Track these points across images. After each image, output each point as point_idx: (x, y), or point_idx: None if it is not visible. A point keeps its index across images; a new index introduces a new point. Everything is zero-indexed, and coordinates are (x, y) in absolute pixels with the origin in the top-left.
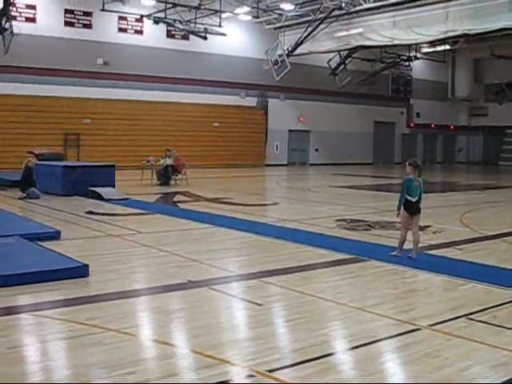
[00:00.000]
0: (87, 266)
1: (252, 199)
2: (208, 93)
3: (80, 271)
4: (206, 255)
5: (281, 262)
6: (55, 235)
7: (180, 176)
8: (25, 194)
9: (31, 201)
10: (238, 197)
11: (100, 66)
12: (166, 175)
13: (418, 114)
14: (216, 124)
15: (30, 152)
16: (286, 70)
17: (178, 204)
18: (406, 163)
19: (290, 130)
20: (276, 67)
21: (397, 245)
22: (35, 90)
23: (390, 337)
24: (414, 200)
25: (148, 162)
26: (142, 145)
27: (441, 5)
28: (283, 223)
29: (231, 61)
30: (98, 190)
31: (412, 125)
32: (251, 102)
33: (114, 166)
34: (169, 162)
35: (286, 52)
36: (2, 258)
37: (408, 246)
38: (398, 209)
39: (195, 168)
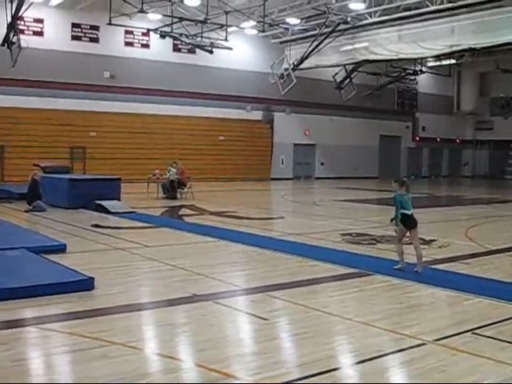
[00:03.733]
0: (93, 279)
1: (257, 213)
2: (214, 106)
3: (86, 284)
4: (211, 269)
5: (286, 276)
6: (61, 248)
7: (185, 189)
8: (31, 207)
9: (37, 213)
10: (243, 210)
11: (107, 80)
12: (172, 189)
13: (423, 128)
14: (221, 137)
15: (35, 165)
16: (292, 83)
17: (184, 217)
18: (392, 181)
19: (295, 144)
20: (282, 81)
21: (395, 258)
22: (41, 103)
23: (395, 351)
24: (409, 213)
25: (154, 175)
26: (147, 158)
27: (446, 19)
28: (289, 237)
29: (237, 75)
30: (104, 203)
31: (418, 139)
32: (257, 115)
33: (119, 179)
34: (173, 172)
35: (292, 66)
36: (8, 271)
37: (411, 259)
38: (396, 224)
39: (201, 181)
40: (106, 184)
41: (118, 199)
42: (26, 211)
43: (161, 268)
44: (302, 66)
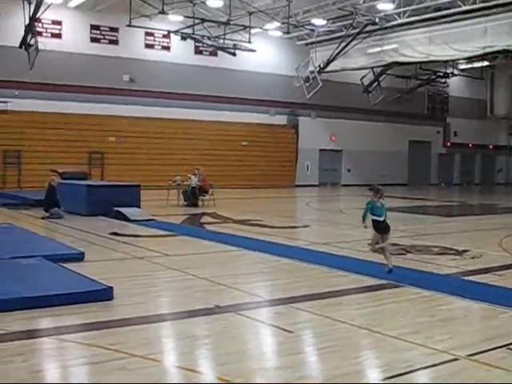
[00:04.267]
0: (112, 288)
1: (281, 221)
2: (236, 110)
3: (104, 294)
4: (233, 279)
5: (311, 287)
6: (79, 257)
7: (207, 197)
8: (48, 214)
9: (54, 220)
10: (267, 219)
11: (126, 83)
12: (193, 196)
13: (455, 133)
14: (245, 143)
15: (53, 171)
16: (318, 87)
17: (205, 226)
18: (368, 188)
19: (321, 150)
20: (307, 84)
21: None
22: (59, 107)
23: (426, 367)
24: (381, 219)
25: (174, 181)
26: (168, 164)
27: (479, 19)
28: (314, 246)
29: (261, 78)
30: (123, 210)
31: (449, 144)
32: (281, 120)
33: (139, 185)
34: (195, 180)
35: (318, 69)
36: (25, 280)
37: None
38: (362, 221)
39: (223, 188)
40: (125, 190)
41: (138, 206)
42: (42, 218)
43: (181, 278)
44: (328, 69)
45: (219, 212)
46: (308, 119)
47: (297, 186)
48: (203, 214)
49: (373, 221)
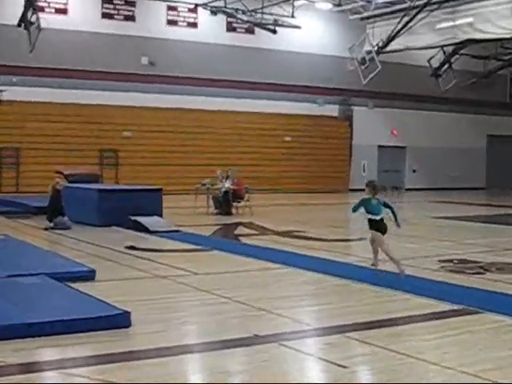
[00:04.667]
0: (128, 313)
1: (332, 233)
2: (277, 99)
3: (120, 320)
4: (275, 303)
5: (369, 313)
6: (89, 275)
7: (243, 203)
8: (52, 224)
9: (60, 232)
10: (314, 230)
11: (144, 67)
12: (225, 202)
13: None
14: (287, 138)
15: (57, 172)
16: (376, 70)
17: (241, 238)
18: (365, 184)
19: (380, 146)
20: (363, 67)
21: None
22: (65, 96)
23: None
24: (378, 218)
25: (203, 185)
26: (195, 164)
27: None
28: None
29: (306, 60)
30: (142, 219)
31: None
32: (332, 110)
33: (161, 190)
34: (228, 183)
35: (376, 48)
36: (25, 303)
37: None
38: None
39: (261, 193)
40: (143, 196)
41: (159, 215)
42: (45, 229)
43: (212, 301)
44: (388, 49)
45: (257, 222)
46: (364, 109)
47: (351, 190)
48: (238, 223)
49: (370, 220)
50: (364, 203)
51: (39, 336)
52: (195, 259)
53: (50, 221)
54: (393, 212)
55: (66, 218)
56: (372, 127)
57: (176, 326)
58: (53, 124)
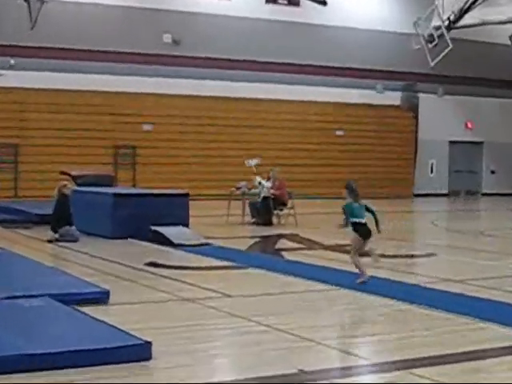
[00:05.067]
0: (149, 343)
1: (394, 247)
2: (327, 85)
3: (138, 352)
4: (325, 332)
5: (438, 345)
6: (101, 297)
7: (285, 211)
8: (57, 235)
9: (66, 245)
10: (372, 243)
11: (167, 47)
12: (265, 209)
13: None
14: (339, 132)
15: (63, 173)
16: (447, 50)
17: (283, 253)
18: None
19: (451, 142)
20: (431, 46)
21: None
22: (73, 82)
23: None
24: (363, 221)
25: (238, 188)
26: (228, 163)
27: None
28: (443, 285)
29: (363, 37)
30: (164, 230)
31: None
32: (393, 98)
33: (187, 194)
34: (268, 187)
35: (447, 23)
36: (26, 330)
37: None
38: (344, 226)
39: (307, 199)
40: (166, 202)
41: (185, 225)
42: (49, 241)
43: (248, 329)
44: (460, 23)
45: (303, 233)
46: (432, 97)
47: (416, 195)
48: (279, 236)
49: (353, 224)
50: (350, 209)
51: (41, 370)
52: (228, 278)
53: (55, 231)
54: (374, 216)
55: (73, 228)
56: (442, 119)
57: (204, 360)
58: (58, 115)
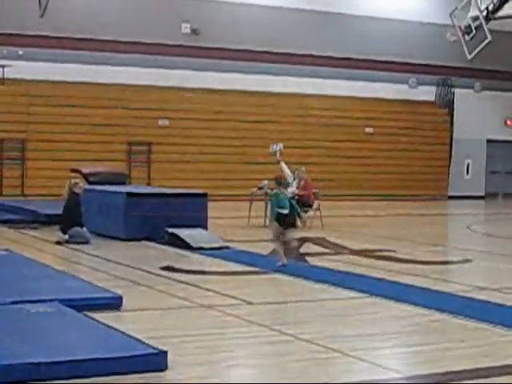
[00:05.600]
0: (165, 353)
1: (427, 253)
2: (356, 79)
3: (153, 361)
4: (353, 342)
5: (477, 358)
6: (114, 303)
7: (311, 212)
8: (67, 236)
9: (76, 247)
10: (404, 248)
11: (186, 37)
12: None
13: None
14: (369, 130)
15: (74, 170)
16: (485, 42)
17: (308, 258)
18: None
19: (489, 141)
20: (468, 38)
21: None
22: (84, 74)
23: None
24: (285, 212)
25: (260, 188)
26: (249, 162)
27: None
28: (479, 293)
29: (395, 29)
30: (181, 232)
31: None
32: (426, 93)
33: (205, 195)
34: (293, 187)
35: (485, 14)
36: (34, 337)
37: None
38: (270, 222)
39: (334, 200)
40: (184, 202)
41: (204, 227)
42: (58, 243)
43: (271, 339)
44: (500, 14)
45: (330, 237)
46: (469, 93)
47: (450, 197)
48: (304, 239)
49: (277, 214)
50: (275, 197)
51: (49, 379)
52: (249, 284)
53: (65, 232)
54: (295, 211)
55: (84, 230)
56: (479, 116)
57: (223, 371)
58: (68, 109)
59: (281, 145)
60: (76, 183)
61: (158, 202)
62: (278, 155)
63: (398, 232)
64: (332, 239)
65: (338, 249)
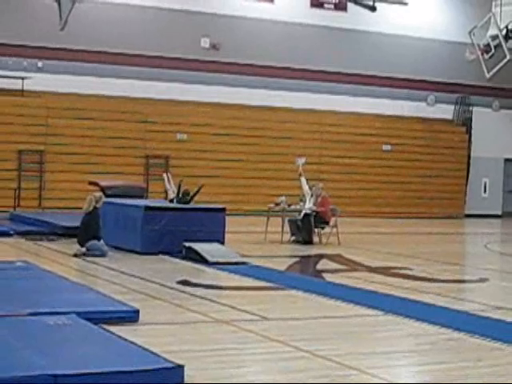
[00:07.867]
0: (182, 367)
1: (443, 272)
2: (373, 96)
3: (169, 376)
4: (369, 360)
5: (493, 377)
6: (130, 316)
7: (328, 229)
8: (84, 249)
9: (94, 260)
10: (420, 267)
11: (205, 51)
12: (306, 227)
13: None
14: (386, 147)
15: (91, 183)
16: (504, 61)
17: (324, 275)
18: None
19: (507, 160)
20: (487, 56)
21: None
22: (103, 87)
23: None
24: None
25: (278, 204)
26: (266, 177)
27: None
28: (495, 313)
29: (413, 46)
30: (198, 247)
31: None
32: (444, 112)
33: (223, 209)
34: (310, 203)
35: (504, 32)
36: (50, 349)
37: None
38: None
39: (351, 217)
40: (201, 217)
41: (221, 241)
42: (76, 255)
43: (287, 355)
44: None
45: (346, 254)
46: (487, 112)
47: (467, 215)
48: (321, 256)
49: None
50: None
51: None
52: (265, 300)
53: (82, 245)
54: None
55: (101, 243)
56: (497, 134)
57: None
58: (87, 122)
59: (304, 159)
60: (100, 197)
61: (176, 216)
62: (300, 168)
63: (415, 250)
64: (348, 256)
65: (355, 266)
